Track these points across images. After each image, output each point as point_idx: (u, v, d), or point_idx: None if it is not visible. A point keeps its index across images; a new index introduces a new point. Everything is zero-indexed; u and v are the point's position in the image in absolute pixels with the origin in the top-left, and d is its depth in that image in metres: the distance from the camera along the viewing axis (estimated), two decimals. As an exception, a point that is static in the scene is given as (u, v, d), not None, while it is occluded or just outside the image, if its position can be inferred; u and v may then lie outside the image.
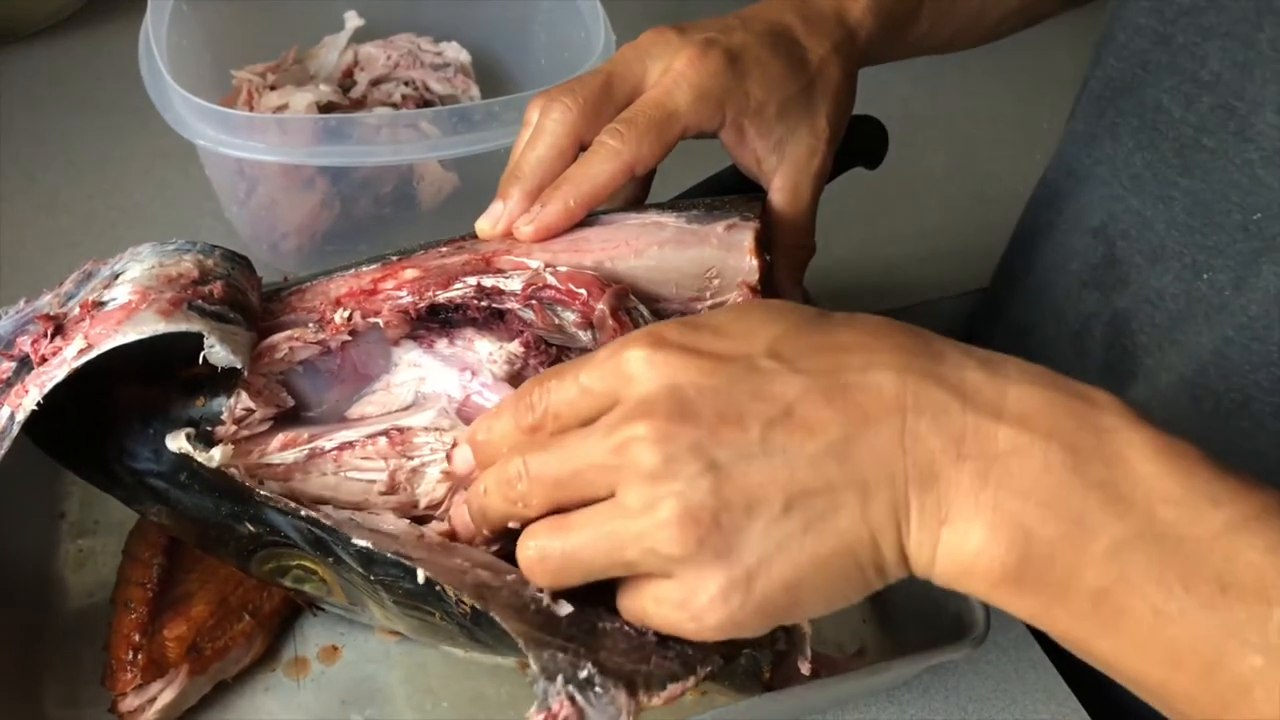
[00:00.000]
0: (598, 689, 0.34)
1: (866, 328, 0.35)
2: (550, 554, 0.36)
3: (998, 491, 0.32)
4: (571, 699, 0.34)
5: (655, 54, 0.47)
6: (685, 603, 0.33)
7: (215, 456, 0.41)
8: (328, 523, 0.39)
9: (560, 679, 0.34)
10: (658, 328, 0.36)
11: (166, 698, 0.48)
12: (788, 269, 0.51)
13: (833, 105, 0.50)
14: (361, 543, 0.39)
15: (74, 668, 0.51)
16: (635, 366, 0.34)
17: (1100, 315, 0.53)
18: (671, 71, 0.46)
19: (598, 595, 0.38)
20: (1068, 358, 0.55)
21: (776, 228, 0.50)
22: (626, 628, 0.37)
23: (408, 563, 0.38)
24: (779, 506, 0.32)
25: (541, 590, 0.37)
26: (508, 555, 0.40)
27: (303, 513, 0.40)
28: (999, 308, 0.64)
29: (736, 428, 0.33)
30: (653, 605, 0.35)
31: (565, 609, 0.37)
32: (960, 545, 0.32)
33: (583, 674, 0.34)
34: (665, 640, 0.37)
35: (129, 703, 0.47)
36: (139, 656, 0.48)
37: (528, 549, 0.36)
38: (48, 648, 0.52)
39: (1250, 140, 0.44)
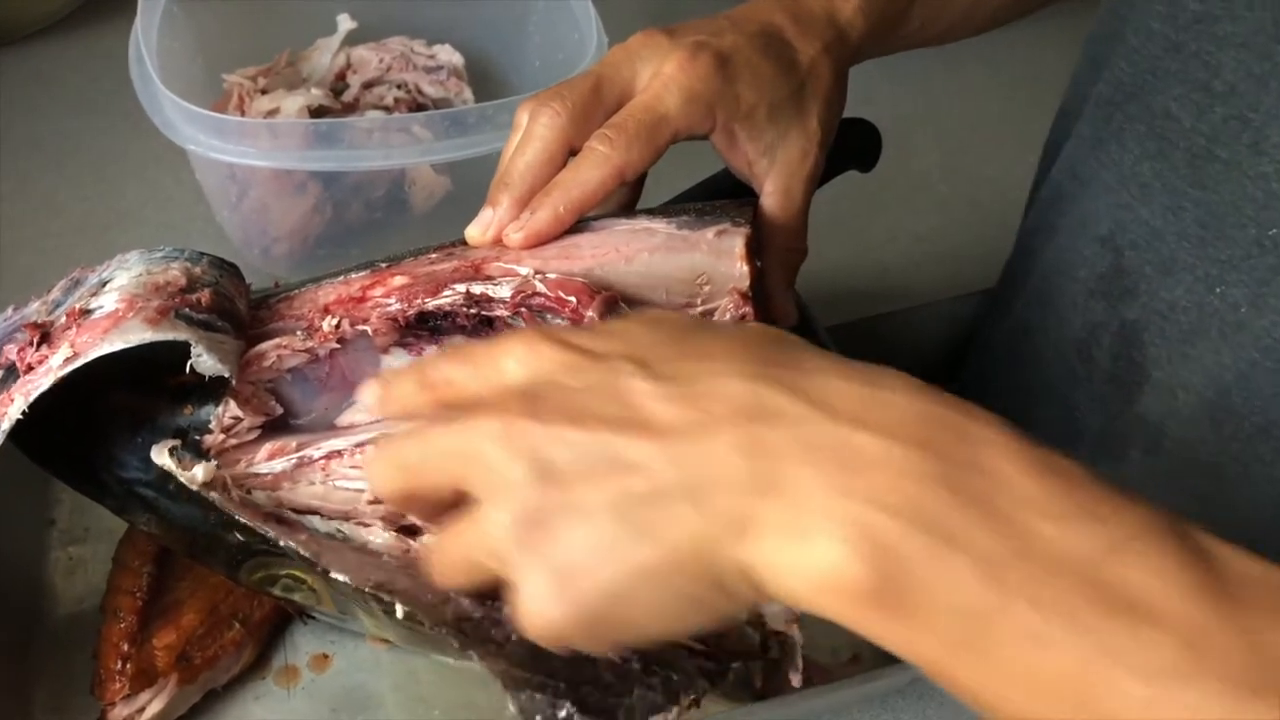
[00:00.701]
0: None
1: (739, 339, 0.34)
2: (437, 556, 0.35)
3: (856, 504, 0.29)
4: None
5: (645, 57, 0.47)
6: (521, 605, 0.32)
7: (198, 476, 0.41)
8: (306, 554, 0.39)
9: (539, 718, 0.34)
10: (543, 326, 0.35)
11: (156, 707, 0.48)
12: (779, 273, 0.51)
13: (824, 107, 0.49)
14: (341, 577, 0.38)
15: (64, 676, 0.51)
16: (509, 355, 0.34)
17: (1108, 325, 0.52)
18: (661, 75, 0.46)
19: None
20: (1073, 365, 0.55)
21: (768, 231, 0.50)
22: (610, 655, 0.36)
23: (386, 598, 0.38)
24: (609, 512, 0.31)
25: None
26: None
27: (282, 543, 0.39)
28: (1004, 309, 0.63)
29: (579, 428, 0.31)
30: (509, 607, 0.33)
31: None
32: (813, 562, 0.29)
33: (561, 714, 0.34)
34: (649, 667, 0.36)
35: (118, 712, 0.47)
36: (128, 665, 0.48)
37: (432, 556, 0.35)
38: (37, 656, 0.52)
39: (1265, 154, 0.43)
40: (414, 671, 0.52)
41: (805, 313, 0.55)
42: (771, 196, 0.49)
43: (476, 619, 0.35)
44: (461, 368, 0.35)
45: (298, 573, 0.45)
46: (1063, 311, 0.56)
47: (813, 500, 0.29)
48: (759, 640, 0.43)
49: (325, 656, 0.52)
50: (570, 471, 0.31)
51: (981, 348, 0.65)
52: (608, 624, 0.32)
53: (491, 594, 0.35)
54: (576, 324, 0.40)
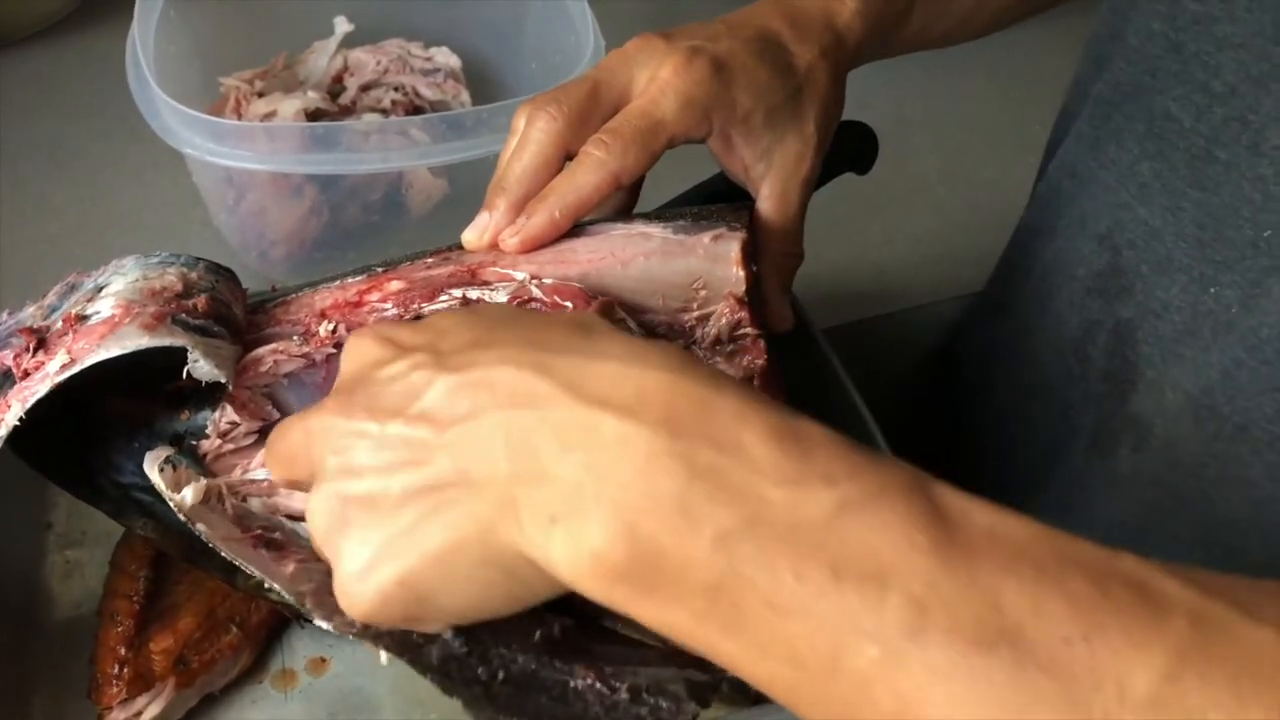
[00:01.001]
0: None
1: (531, 323, 0.35)
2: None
3: (602, 485, 0.30)
4: None
5: (642, 61, 0.47)
6: (336, 587, 0.34)
7: (187, 499, 0.40)
8: (289, 598, 0.38)
9: None
10: (381, 319, 0.37)
11: (153, 711, 0.47)
12: (775, 277, 0.51)
13: (821, 111, 0.50)
14: (325, 625, 0.37)
15: (61, 680, 0.51)
16: (345, 350, 0.37)
17: (1104, 323, 0.52)
18: (658, 80, 0.46)
19: (579, 647, 0.37)
20: (1068, 363, 0.55)
21: (764, 235, 0.50)
22: (597, 685, 0.36)
23: (370, 645, 0.36)
24: (395, 500, 0.32)
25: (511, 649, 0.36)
26: None
27: (266, 585, 0.39)
28: (998, 306, 0.64)
29: (373, 419, 0.33)
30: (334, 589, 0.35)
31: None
32: (574, 546, 0.30)
33: None
34: (639, 696, 0.36)
35: (115, 716, 0.47)
36: (125, 670, 0.48)
37: None
38: (34, 660, 0.51)
39: (1264, 155, 0.43)
40: (412, 675, 0.51)
41: (802, 316, 0.55)
42: (768, 201, 0.49)
43: (461, 656, 0.35)
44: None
45: (294, 577, 0.45)
46: (1060, 310, 0.56)
47: (568, 485, 0.30)
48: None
49: (323, 660, 0.52)
50: (368, 463, 0.33)
51: (977, 347, 0.65)
52: (407, 604, 0.33)
53: (479, 627, 0.35)
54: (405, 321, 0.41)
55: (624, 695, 0.35)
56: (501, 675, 0.35)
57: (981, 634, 0.26)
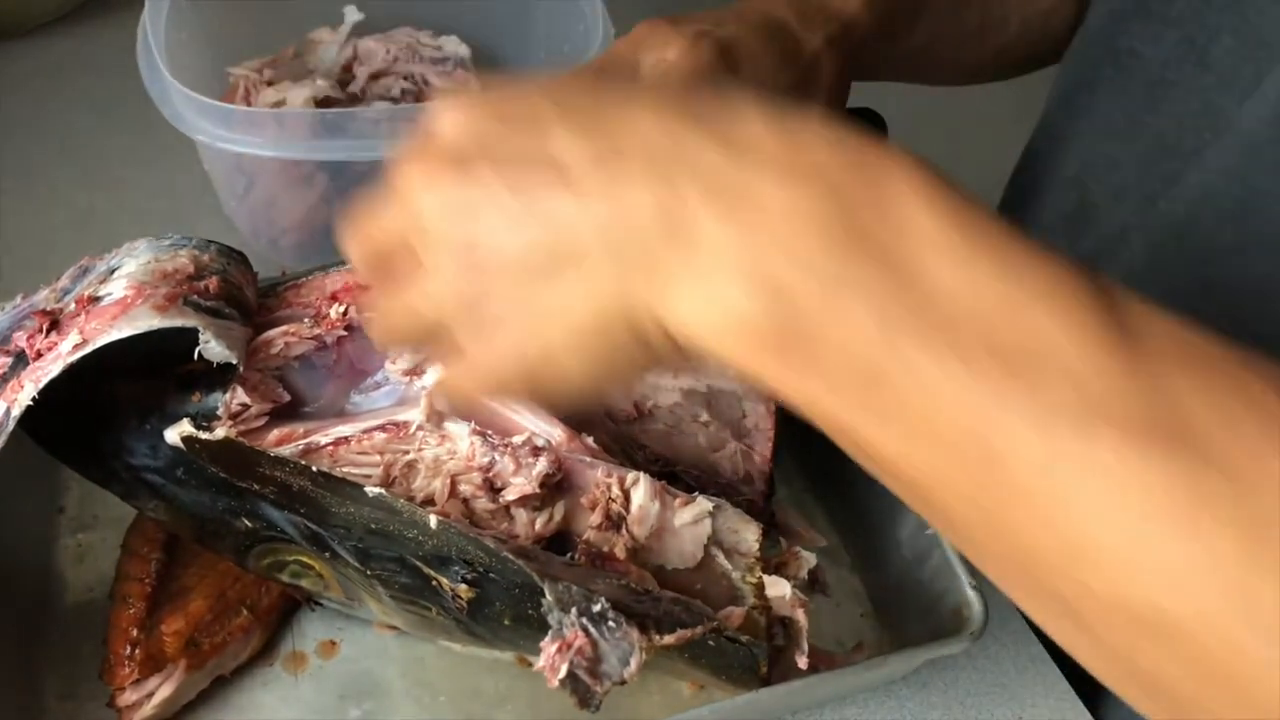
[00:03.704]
0: (610, 623, 0.35)
1: (664, 84, 0.34)
2: (378, 317, 0.36)
3: (760, 250, 0.28)
4: (585, 630, 0.34)
5: (648, 46, 0.47)
6: (470, 363, 0.34)
7: (218, 433, 0.41)
8: (338, 473, 0.40)
9: (574, 610, 0.35)
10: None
11: (164, 692, 0.48)
12: None
13: (828, 97, 0.50)
14: (375, 490, 0.39)
15: (73, 662, 0.51)
16: (441, 118, 0.33)
17: None
18: (662, 64, 0.46)
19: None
20: None
21: None
22: (632, 584, 0.38)
23: (419, 513, 0.39)
24: (529, 257, 0.31)
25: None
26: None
27: (314, 469, 0.40)
28: None
29: (504, 181, 0.31)
30: (453, 374, 0.35)
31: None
32: (716, 304, 0.29)
33: (596, 607, 0.35)
34: (673, 599, 0.38)
35: (127, 697, 0.47)
36: (137, 651, 0.48)
37: (371, 327, 0.37)
38: (47, 642, 0.52)
39: (1208, 68, 0.45)
40: (421, 658, 0.52)
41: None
42: None
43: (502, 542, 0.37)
44: (412, 136, 0.35)
45: (305, 558, 0.45)
46: None
47: (717, 246, 0.29)
48: (764, 626, 0.43)
49: (333, 643, 0.53)
50: (500, 237, 0.31)
51: None
52: (540, 378, 0.33)
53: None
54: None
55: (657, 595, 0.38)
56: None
57: (1147, 427, 0.25)
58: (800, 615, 0.43)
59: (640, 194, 0.30)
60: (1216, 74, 0.44)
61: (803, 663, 0.43)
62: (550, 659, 0.35)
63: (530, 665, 0.48)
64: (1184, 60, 0.46)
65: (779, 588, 0.43)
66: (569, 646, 0.34)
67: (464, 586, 0.41)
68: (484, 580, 0.41)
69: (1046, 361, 0.26)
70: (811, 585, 0.47)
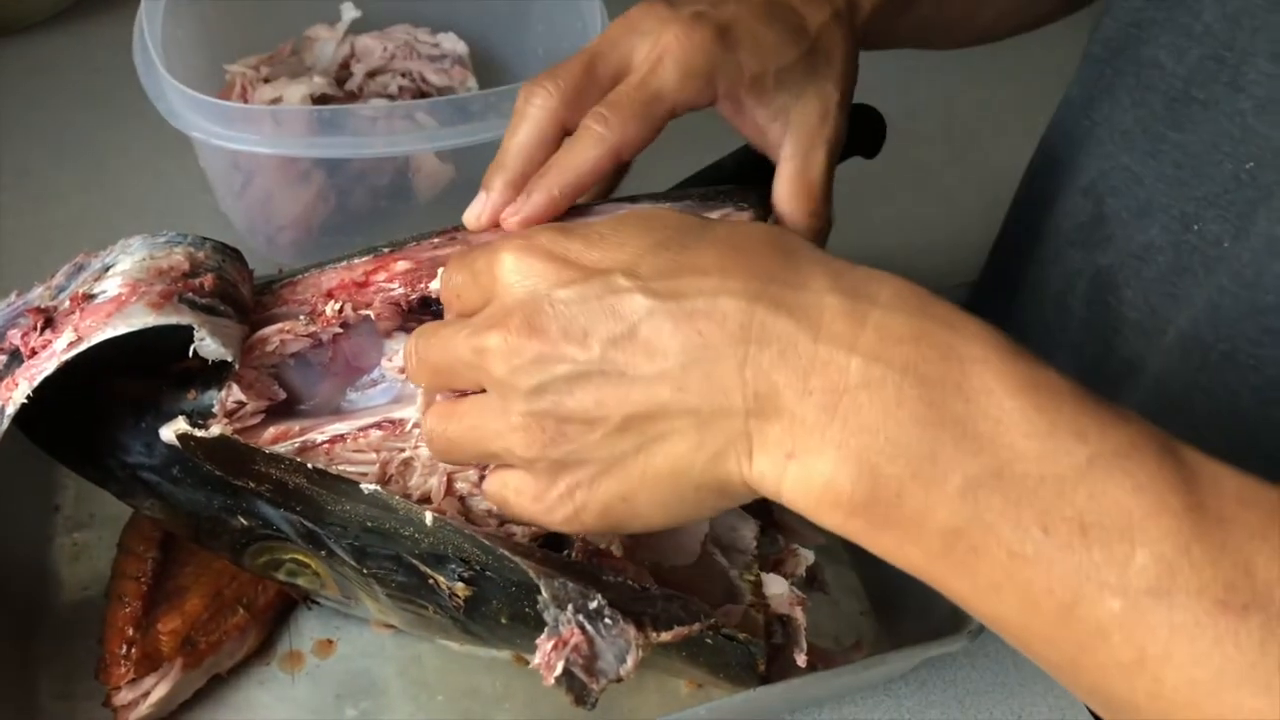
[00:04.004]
0: (607, 620, 0.35)
1: (731, 245, 0.35)
2: (436, 436, 0.39)
3: (845, 426, 0.31)
4: (581, 627, 0.34)
5: (644, 30, 0.45)
6: (539, 496, 0.36)
7: (214, 430, 0.41)
8: (334, 471, 0.40)
9: (571, 607, 0.35)
10: (535, 232, 0.37)
11: (160, 691, 0.48)
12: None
13: (839, 71, 0.48)
14: (370, 487, 0.40)
15: (69, 661, 0.51)
16: (504, 269, 0.36)
17: (1083, 273, 0.52)
18: (658, 48, 0.44)
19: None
20: (1048, 318, 0.55)
21: (788, 198, 0.48)
22: (629, 581, 0.38)
23: (415, 510, 0.39)
24: (615, 424, 0.34)
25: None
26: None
27: (310, 466, 0.40)
28: (993, 279, 0.63)
29: (579, 345, 0.33)
30: (512, 495, 0.37)
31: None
32: (807, 478, 0.32)
33: (593, 604, 0.35)
34: (669, 596, 0.38)
35: (123, 696, 0.47)
36: (133, 650, 0.48)
37: (424, 427, 0.39)
38: (43, 641, 0.52)
39: (1242, 90, 0.43)
40: (418, 657, 0.52)
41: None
42: (790, 162, 0.48)
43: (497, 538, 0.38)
44: (461, 276, 0.38)
45: (301, 557, 0.45)
46: (1044, 268, 0.55)
47: (807, 424, 0.31)
48: (762, 623, 0.43)
49: (329, 642, 0.53)
50: (576, 387, 0.34)
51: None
52: (622, 517, 0.35)
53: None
54: (567, 222, 0.41)
55: (655, 591, 0.38)
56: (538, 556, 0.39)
57: (1232, 597, 0.27)
58: (798, 613, 0.43)
59: (724, 367, 0.32)
60: (1253, 99, 0.43)
61: (801, 661, 0.43)
62: (546, 656, 0.34)
63: (527, 664, 0.48)
64: (1213, 79, 0.45)
65: (777, 585, 0.43)
66: (565, 644, 0.34)
67: (461, 585, 0.41)
68: (481, 578, 0.40)
69: (1124, 534, 0.28)
70: (810, 583, 0.47)
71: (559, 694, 0.35)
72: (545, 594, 0.35)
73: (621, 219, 0.37)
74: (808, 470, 0.31)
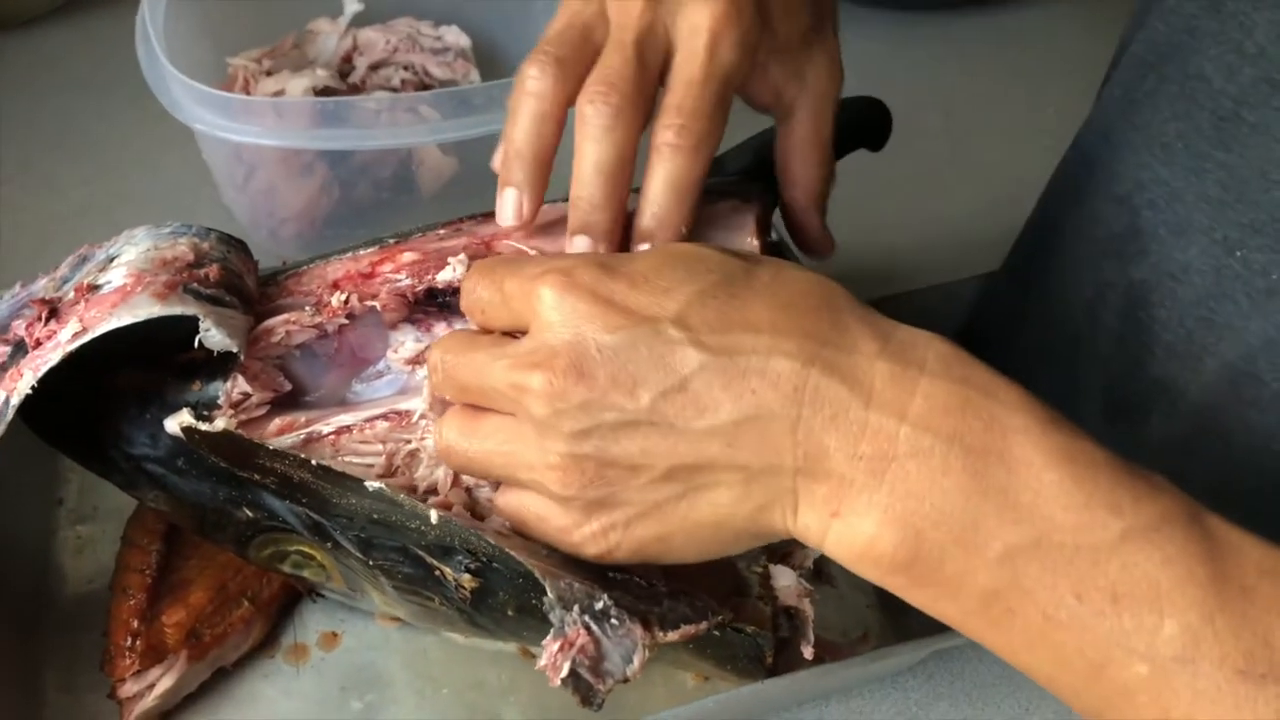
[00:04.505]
0: (613, 620, 0.35)
1: (781, 301, 0.35)
2: (455, 451, 0.38)
3: (892, 492, 0.32)
4: (587, 628, 0.34)
5: (671, 8, 0.43)
6: (567, 530, 0.36)
7: (219, 424, 0.41)
8: (338, 467, 0.40)
9: (577, 608, 0.35)
10: (575, 266, 0.36)
11: (165, 684, 0.48)
12: (814, 200, 0.50)
13: (833, 18, 0.48)
14: (375, 484, 0.39)
15: (73, 654, 0.51)
16: (544, 304, 0.35)
17: (1116, 285, 0.51)
18: (707, 33, 0.42)
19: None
20: (1078, 326, 0.54)
21: (801, 156, 0.48)
22: (636, 578, 0.38)
23: (421, 507, 0.39)
24: (660, 472, 0.34)
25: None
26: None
27: (314, 462, 0.40)
28: (1017, 275, 0.63)
29: (628, 394, 0.33)
30: (533, 519, 0.37)
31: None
32: (852, 536, 0.33)
33: (598, 605, 0.35)
34: (675, 593, 0.38)
35: (128, 688, 0.47)
36: (138, 643, 0.48)
37: (440, 435, 0.39)
38: (47, 634, 0.52)
39: None
40: (424, 649, 0.52)
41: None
42: (805, 123, 0.48)
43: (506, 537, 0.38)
44: (492, 294, 0.38)
45: (307, 548, 0.45)
46: (1074, 273, 0.55)
47: (854, 487, 0.33)
48: (770, 616, 0.43)
49: (334, 634, 0.52)
50: (622, 435, 0.34)
51: (994, 319, 0.65)
52: (656, 555, 0.36)
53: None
54: (608, 256, 0.39)
55: (661, 588, 0.38)
56: (545, 551, 0.38)
57: (1251, 666, 0.29)
58: (806, 605, 0.43)
59: (781, 437, 0.33)
60: None
61: (808, 653, 0.43)
62: (552, 658, 0.34)
63: (533, 657, 0.48)
64: (1265, 103, 0.43)
65: (785, 578, 0.43)
66: (571, 645, 0.34)
67: (467, 576, 0.40)
68: (487, 570, 0.40)
69: (1153, 604, 0.30)
70: (817, 575, 0.47)
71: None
72: (551, 595, 0.35)
73: (663, 259, 0.36)
74: (852, 529, 0.33)
